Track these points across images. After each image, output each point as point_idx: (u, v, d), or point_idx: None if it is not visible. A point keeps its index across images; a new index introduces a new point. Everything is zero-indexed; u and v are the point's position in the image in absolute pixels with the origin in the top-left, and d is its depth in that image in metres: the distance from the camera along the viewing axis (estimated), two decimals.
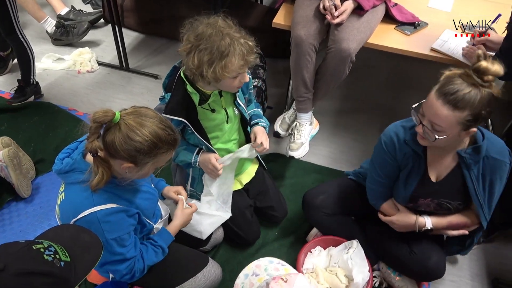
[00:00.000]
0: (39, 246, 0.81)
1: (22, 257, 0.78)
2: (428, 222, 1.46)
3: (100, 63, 2.78)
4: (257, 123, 1.64)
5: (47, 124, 2.28)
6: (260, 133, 1.58)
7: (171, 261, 1.43)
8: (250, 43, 1.33)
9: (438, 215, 1.47)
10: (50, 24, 2.79)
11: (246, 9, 2.86)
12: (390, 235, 1.61)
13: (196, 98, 1.45)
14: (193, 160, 1.55)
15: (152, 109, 1.16)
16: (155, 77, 2.70)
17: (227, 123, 1.56)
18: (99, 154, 1.09)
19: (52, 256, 0.80)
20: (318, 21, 1.81)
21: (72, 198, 1.16)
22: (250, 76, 1.56)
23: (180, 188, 1.54)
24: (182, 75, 1.42)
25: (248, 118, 1.63)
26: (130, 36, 3.01)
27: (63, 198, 1.18)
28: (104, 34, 3.01)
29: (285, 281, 0.87)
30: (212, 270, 1.52)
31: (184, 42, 1.32)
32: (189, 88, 1.43)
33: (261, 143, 1.55)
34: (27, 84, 2.39)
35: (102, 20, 3.07)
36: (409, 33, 1.92)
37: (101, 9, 3.06)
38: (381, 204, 1.54)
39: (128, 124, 1.07)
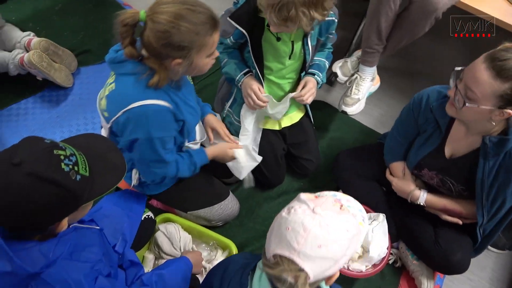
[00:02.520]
0: (60, 152, 0.76)
1: (41, 158, 0.74)
2: (422, 197, 1.41)
3: None
4: (313, 74, 1.47)
5: (98, 15, 2.21)
6: (310, 85, 1.43)
7: (194, 185, 1.43)
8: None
9: (439, 193, 1.41)
10: None
11: None
12: (417, 217, 1.53)
13: (266, 19, 1.29)
14: (237, 77, 1.42)
15: None
16: None
17: (290, 58, 1.41)
18: (146, 58, 1.06)
19: (71, 166, 0.76)
20: None
21: (124, 89, 1.12)
22: (335, 19, 1.38)
23: (218, 126, 1.47)
24: None
25: (308, 63, 1.46)
26: None
27: (113, 88, 1.14)
28: None
29: (316, 197, 0.82)
30: (230, 204, 1.52)
31: None
32: (261, 6, 1.25)
33: (304, 95, 1.42)
34: None
35: None
36: None
37: None
38: (392, 162, 1.50)
39: (153, 18, 1.01)
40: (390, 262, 1.61)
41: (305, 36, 1.37)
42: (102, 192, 0.83)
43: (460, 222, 1.41)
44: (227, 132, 1.49)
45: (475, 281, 1.68)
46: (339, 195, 0.86)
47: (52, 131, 1.76)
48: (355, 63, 1.90)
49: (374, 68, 1.83)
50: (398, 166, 1.50)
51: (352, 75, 1.88)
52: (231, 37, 1.37)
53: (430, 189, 1.45)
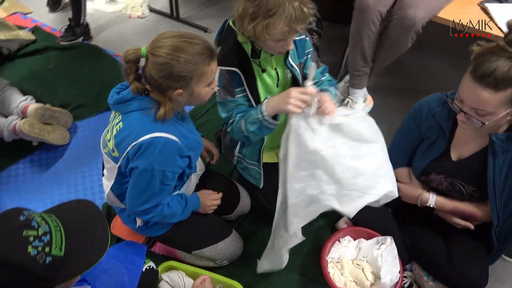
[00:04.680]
0: (30, 233, 0.72)
1: (5, 241, 0.71)
2: (432, 199, 1.38)
3: (151, 9, 2.71)
4: (326, 90, 1.40)
5: (91, 68, 2.27)
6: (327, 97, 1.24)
7: (197, 224, 1.42)
8: (305, 10, 1.15)
9: (450, 198, 1.37)
10: None
11: None
12: (427, 235, 1.49)
13: (248, 48, 1.30)
14: (260, 112, 1.23)
15: (176, 30, 1.13)
16: (205, 30, 2.58)
17: (277, 86, 1.41)
18: (150, 92, 1.12)
19: (40, 248, 0.72)
20: None
21: (133, 125, 1.14)
22: (308, 38, 1.39)
23: (210, 145, 1.53)
24: (231, 23, 1.28)
25: (301, 82, 1.41)
26: None
27: (121, 127, 1.16)
28: None
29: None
30: (234, 241, 1.49)
31: None
32: (240, 37, 1.27)
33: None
34: (77, 24, 2.37)
35: None
36: None
37: None
38: (396, 169, 1.46)
39: (153, 52, 1.07)
40: (406, 286, 1.54)
41: (285, 58, 1.36)
42: (81, 271, 0.80)
43: (472, 227, 1.36)
44: (218, 153, 1.54)
45: None
46: None
47: (50, 190, 1.76)
48: (345, 88, 1.92)
49: (364, 90, 1.84)
50: (403, 172, 1.48)
51: (343, 100, 1.88)
52: (236, 88, 1.33)
53: (440, 194, 1.41)
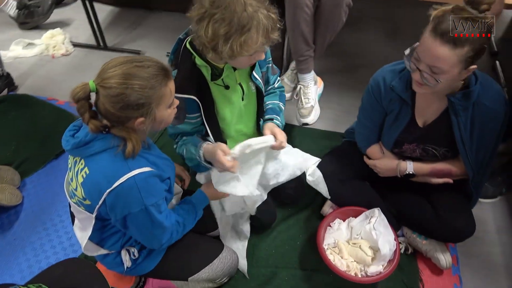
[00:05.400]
0: None
1: None
2: (409, 166, 1.43)
3: (75, 44, 2.56)
4: (271, 119, 1.43)
5: (26, 118, 2.09)
6: (277, 130, 1.34)
7: (187, 250, 1.35)
8: (274, 16, 1.12)
9: (425, 162, 1.42)
10: (12, 7, 2.54)
11: None
12: (411, 198, 1.54)
13: (207, 72, 1.26)
14: (198, 155, 1.30)
15: (122, 56, 1.04)
16: (137, 53, 2.49)
17: (242, 100, 1.38)
18: (111, 128, 1.03)
19: None
20: None
21: (102, 168, 1.04)
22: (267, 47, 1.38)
23: (180, 170, 1.45)
24: (188, 46, 1.22)
25: (264, 93, 1.43)
26: (103, 11, 2.76)
27: (87, 173, 1.05)
28: (74, 12, 2.76)
29: None
30: (228, 255, 1.43)
31: (197, 5, 1.11)
32: (198, 60, 1.23)
33: (282, 141, 1.33)
34: None
35: None
36: None
37: None
38: (368, 147, 1.52)
39: (103, 84, 0.98)
40: (402, 251, 1.57)
41: (250, 72, 1.34)
42: None
43: (451, 181, 1.42)
44: (189, 177, 1.49)
45: (484, 237, 1.68)
46: None
47: (15, 258, 1.59)
48: (292, 75, 1.93)
49: (312, 73, 1.86)
50: (375, 149, 1.51)
51: (295, 87, 1.89)
52: (188, 116, 1.29)
53: (415, 161, 1.45)
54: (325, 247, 1.51)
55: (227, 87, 1.31)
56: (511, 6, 1.59)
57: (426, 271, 1.55)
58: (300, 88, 1.86)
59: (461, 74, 1.14)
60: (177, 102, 1.12)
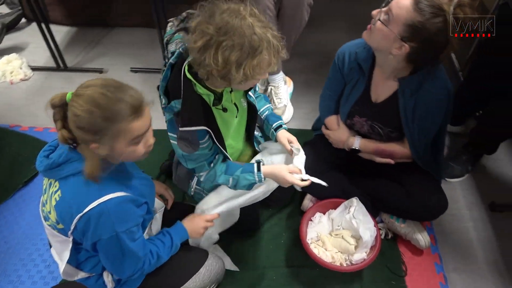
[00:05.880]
0: None
1: None
2: (357, 142, 1.52)
3: (33, 68, 2.49)
4: (280, 126, 1.46)
5: None
6: (293, 139, 1.42)
7: (170, 262, 1.32)
8: (276, 34, 1.10)
9: (372, 141, 1.52)
10: None
11: None
12: (384, 183, 1.59)
13: (210, 99, 1.23)
14: (257, 177, 1.30)
15: (110, 78, 1.00)
16: (99, 71, 2.45)
17: (236, 117, 1.38)
18: (78, 145, 1.01)
19: None
20: None
21: (75, 192, 1.00)
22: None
23: (163, 189, 1.41)
24: (189, 75, 1.16)
25: (257, 106, 1.44)
26: (60, 32, 2.71)
27: (60, 196, 1.02)
28: (29, 35, 2.69)
29: None
30: (214, 262, 1.42)
31: (197, 34, 1.05)
32: (200, 89, 1.19)
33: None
34: None
35: (24, 20, 2.73)
36: None
37: (20, 7, 2.71)
38: (327, 117, 1.61)
39: (73, 99, 0.96)
40: (382, 236, 1.62)
41: (246, 91, 1.34)
42: None
43: (392, 162, 1.51)
44: (173, 196, 1.46)
45: (457, 214, 1.76)
46: None
47: None
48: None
49: (281, 73, 1.90)
50: (332, 119, 1.60)
51: (266, 89, 1.92)
52: (200, 140, 1.25)
53: (363, 138, 1.54)
54: (309, 242, 1.53)
55: (225, 110, 1.30)
56: None
57: (408, 254, 1.60)
58: (271, 89, 1.90)
59: (394, 44, 1.20)
60: (151, 141, 1.06)
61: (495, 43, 1.53)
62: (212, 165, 1.33)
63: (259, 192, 1.39)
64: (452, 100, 1.35)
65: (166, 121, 1.29)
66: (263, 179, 1.31)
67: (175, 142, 1.27)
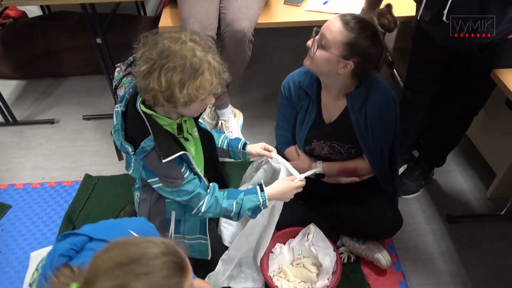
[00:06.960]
0: None
1: None
2: (319, 166, 1.53)
3: None
4: (245, 143, 1.51)
5: None
6: (263, 144, 1.49)
7: None
8: (218, 59, 1.16)
9: (334, 161, 1.53)
10: None
11: (132, 24, 2.68)
12: (342, 206, 1.60)
13: (173, 128, 1.24)
14: (262, 203, 1.30)
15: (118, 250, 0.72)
16: (51, 122, 2.40)
17: (193, 146, 1.37)
18: None
19: None
20: (209, 10, 1.71)
21: None
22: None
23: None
24: (147, 110, 1.17)
25: (211, 133, 1.45)
26: (7, 86, 2.66)
27: None
28: None
29: None
30: None
31: (141, 61, 1.09)
32: (162, 120, 1.19)
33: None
34: None
35: None
36: (300, 3, 1.89)
37: None
38: (285, 149, 1.62)
39: None
40: (345, 260, 1.60)
41: (196, 119, 1.36)
42: None
43: (357, 179, 1.53)
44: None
45: (416, 229, 1.78)
46: None
47: None
48: (212, 113, 1.97)
49: (230, 106, 1.92)
50: (291, 150, 1.61)
51: (217, 124, 1.93)
52: (183, 172, 1.23)
53: (325, 160, 1.56)
54: (271, 275, 1.50)
55: (186, 139, 1.30)
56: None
57: (372, 275, 1.59)
58: (222, 123, 1.91)
59: (339, 65, 1.26)
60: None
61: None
62: (208, 190, 1.30)
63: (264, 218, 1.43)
64: (397, 107, 1.40)
65: (130, 172, 1.28)
66: (267, 201, 1.31)
67: (160, 185, 1.25)
